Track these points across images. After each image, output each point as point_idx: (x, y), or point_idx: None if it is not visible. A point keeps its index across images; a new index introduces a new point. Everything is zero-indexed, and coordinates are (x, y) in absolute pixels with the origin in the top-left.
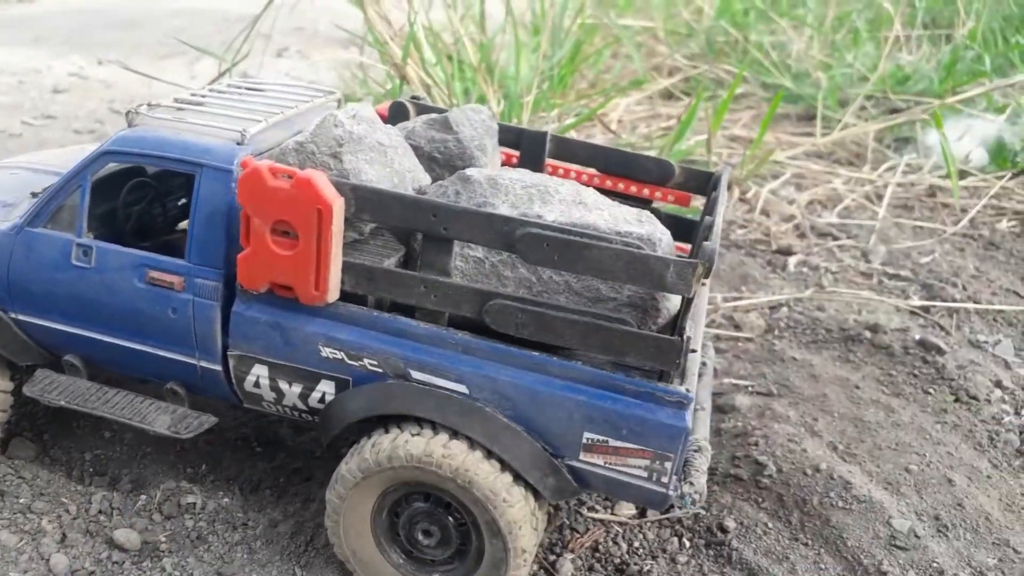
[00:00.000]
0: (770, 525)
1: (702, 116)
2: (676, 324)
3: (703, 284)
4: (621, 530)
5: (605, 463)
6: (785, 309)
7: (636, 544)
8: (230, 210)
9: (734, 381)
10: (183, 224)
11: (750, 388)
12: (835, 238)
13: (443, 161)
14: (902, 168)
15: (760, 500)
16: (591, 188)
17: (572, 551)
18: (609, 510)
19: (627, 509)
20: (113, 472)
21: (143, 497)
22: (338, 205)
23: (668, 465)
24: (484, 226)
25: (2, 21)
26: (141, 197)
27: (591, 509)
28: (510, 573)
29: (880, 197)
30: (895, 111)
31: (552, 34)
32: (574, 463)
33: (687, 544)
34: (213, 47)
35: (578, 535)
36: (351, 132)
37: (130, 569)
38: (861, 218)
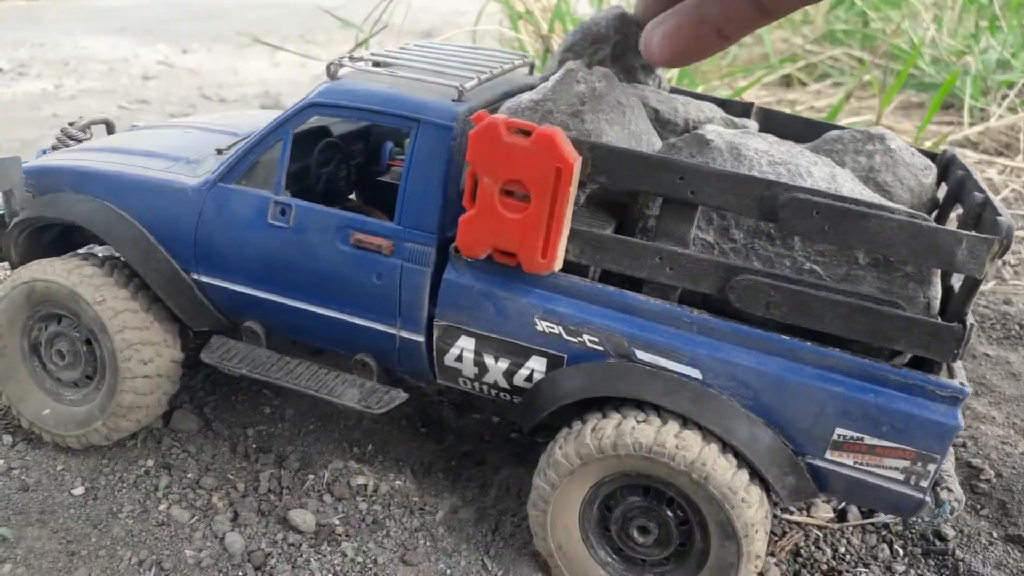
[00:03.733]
0: (995, 535)
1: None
2: (950, 309)
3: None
4: (821, 534)
5: (855, 463)
6: None
7: (842, 550)
8: (448, 169)
9: None
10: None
11: None
12: None
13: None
14: None
15: (979, 507)
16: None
17: (773, 555)
18: (805, 512)
19: (824, 512)
20: (277, 449)
21: (311, 476)
22: (576, 164)
23: (931, 468)
24: (739, 190)
25: (90, 11)
26: (330, 158)
27: (785, 511)
28: None
29: None
30: None
31: None
32: (817, 462)
33: (900, 552)
34: (292, 38)
35: (776, 538)
36: (594, 89)
37: (308, 552)
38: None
